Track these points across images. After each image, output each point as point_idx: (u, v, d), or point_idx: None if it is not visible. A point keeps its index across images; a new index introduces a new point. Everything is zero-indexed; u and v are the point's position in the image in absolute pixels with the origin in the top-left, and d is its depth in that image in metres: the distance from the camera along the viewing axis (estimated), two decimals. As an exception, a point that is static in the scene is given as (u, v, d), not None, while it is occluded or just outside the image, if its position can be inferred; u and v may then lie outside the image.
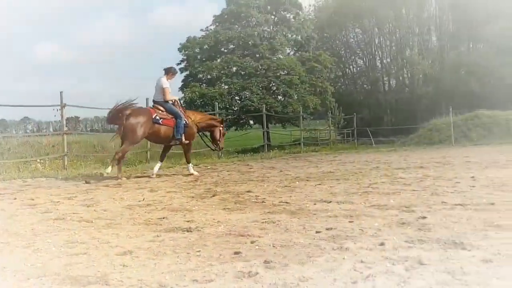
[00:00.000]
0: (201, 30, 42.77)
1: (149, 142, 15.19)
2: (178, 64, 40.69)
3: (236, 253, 3.88)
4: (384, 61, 50.23)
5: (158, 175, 11.34)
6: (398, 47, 47.84)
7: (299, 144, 26.01)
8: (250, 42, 39.70)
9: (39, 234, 4.83)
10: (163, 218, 5.58)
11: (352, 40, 52.37)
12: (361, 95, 50.24)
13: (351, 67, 53.71)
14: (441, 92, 42.71)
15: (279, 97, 39.74)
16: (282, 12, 43.03)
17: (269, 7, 41.98)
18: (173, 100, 11.99)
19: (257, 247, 4.09)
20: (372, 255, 3.69)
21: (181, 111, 11.97)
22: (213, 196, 7.45)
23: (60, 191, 8.59)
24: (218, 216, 5.65)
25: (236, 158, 18.88)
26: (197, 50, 40.16)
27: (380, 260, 3.53)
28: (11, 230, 5.02)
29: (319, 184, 8.71)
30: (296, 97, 38.11)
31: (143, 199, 7.23)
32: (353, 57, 53.11)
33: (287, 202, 6.52)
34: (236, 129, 37.74)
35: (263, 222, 5.15)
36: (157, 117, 11.31)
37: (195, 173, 11.81)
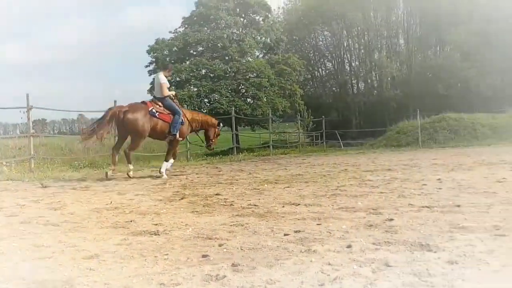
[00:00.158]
0: (170, 32, 42.57)
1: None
2: (146, 66, 40.52)
3: (204, 256, 3.87)
4: (353, 64, 50.64)
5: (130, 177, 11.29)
6: (367, 50, 48.24)
7: (268, 146, 26.02)
8: (219, 45, 39.65)
9: (5, 238, 4.75)
10: (131, 221, 5.54)
11: (321, 43, 52.69)
12: (330, 98, 50.54)
13: (320, 69, 54.01)
14: (409, 95, 43.21)
15: (248, 100, 39.76)
16: (251, 14, 43.06)
17: (238, 9, 41.97)
18: (172, 96, 12.12)
19: (225, 250, 4.09)
20: (339, 257, 3.71)
21: (179, 107, 12.10)
22: (182, 199, 7.42)
23: (26, 194, 8.47)
24: (186, 219, 5.63)
25: (205, 161, 18.83)
26: (166, 52, 39.94)
27: (347, 262, 3.56)
28: (-25, 235, 4.93)
29: (288, 187, 8.73)
30: (265, 100, 38.15)
31: (111, 202, 7.16)
32: (322, 60, 53.39)
33: (255, 205, 6.52)
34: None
35: (231, 225, 5.15)
36: (154, 110, 11.43)
37: (165, 175, 11.66)
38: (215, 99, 37.17)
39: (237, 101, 37.01)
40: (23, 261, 3.89)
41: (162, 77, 12.02)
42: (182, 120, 11.96)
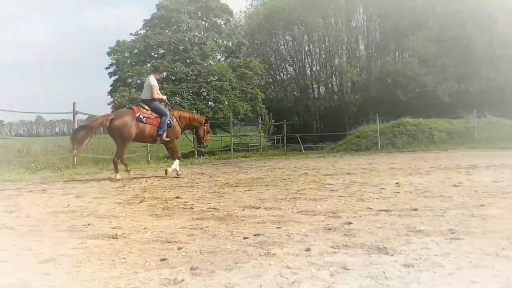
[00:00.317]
0: (131, 34, 42.24)
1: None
2: (107, 68, 40.15)
3: (162, 260, 3.83)
4: (314, 68, 50.98)
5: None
6: (327, 55, 48.66)
7: (230, 150, 26.00)
8: (180, 47, 39.49)
9: (-43, 242, 4.63)
10: (88, 224, 5.45)
11: (283, 47, 52.95)
12: (291, 102, 50.78)
13: (281, 74, 54.24)
14: (368, 100, 43.76)
15: (210, 103, 39.68)
16: (213, 18, 43.02)
17: (200, 12, 41.89)
18: (161, 99, 12.26)
19: (184, 253, 4.06)
20: (298, 260, 3.72)
21: (167, 110, 12.20)
22: (141, 202, 7.34)
23: (-19, 197, 8.28)
24: (145, 222, 5.57)
25: (166, 163, 18.68)
26: (126, 54, 39.60)
27: (306, 265, 3.57)
28: None
29: (248, 190, 8.72)
30: (226, 103, 38.13)
31: (68, 205, 7.04)
32: (283, 64, 53.64)
33: (215, 208, 6.50)
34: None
35: (191, 229, 5.12)
36: (141, 116, 11.58)
37: (178, 168, 12.36)
38: (177, 102, 36.95)
39: (199, 104, 36.90)
40: (-24, 265, 3.79)
41: (153, 80, 12.13)
42: (170, 121, 12.12)
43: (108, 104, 36.90)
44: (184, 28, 40.16)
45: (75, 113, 15.46)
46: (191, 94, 37.32)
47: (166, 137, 12.13)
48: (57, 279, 3.36)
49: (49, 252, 4.14)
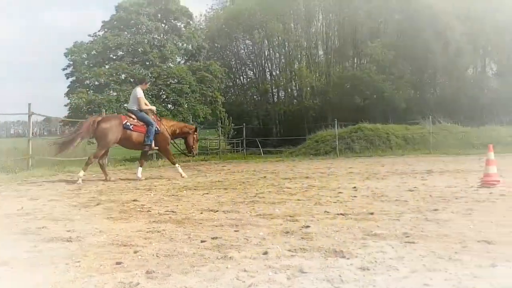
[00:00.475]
0: (89, 35, 41.59)
1: (31, 148, 14.94)
2: (64, 69, 39.33)
3: (117, 263, 3.78)
4: (274, 73, 51.10)
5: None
6: (287, 59, 48.82)
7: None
8: (139, 50, 39.09)
9: None
10: (43, 227, 5.36)
11: (243, 51, 52.90)
12: (251, 106, 50.82)
13: (241, 77, 54.21)
14: (327, 105, 44.07)
15: (169, 106, 39.35)
16: (172, 20, 42.73)
17: (159, 15, 41.56)
18: (149, 110, 12.71)
19: (140, 257, 4.01)
20: (255, 264, 3.72)
21: (153, 119, 12.55)
22: (97, 205, 7.25)
23: None
24: (101, 225, 5.49)
25: (124, 166, 18.54)
26: (84, 55, 38.98)
27: (263, 268, 3.57)
28: None
29: (207, 193, 8.71)
30: (186, 106, 37.88)
31: (22, 207, 6.90)
32: (243, 68, 53.65)
33: (173, 211, 6.46)
34: (124, 137, 37.10)
35: (147, 232, 5.07)
36: (128, 123, 11.95)
37: (184, 174, 12.80)
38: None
39: (158, 107, 36.57)
40: None
41: (139, 91, 12.49)
42: (157, 129, 12.46)
43: (65, 105, 36.19)
44: (144, 30, 39.77)
45: (30, 114, 15.20)
46: (150, 97, 36.91)
47: (155, 145, 12.58)
48: (9, 283, 3.29)
49: (1, 256, 4.05)
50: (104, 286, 3.19)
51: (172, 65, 40.41)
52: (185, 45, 42.81)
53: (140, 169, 12.63)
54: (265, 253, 4.03)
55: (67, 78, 38.63)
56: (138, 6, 39.23)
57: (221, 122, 36.90)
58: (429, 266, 3.59)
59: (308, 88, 46.11)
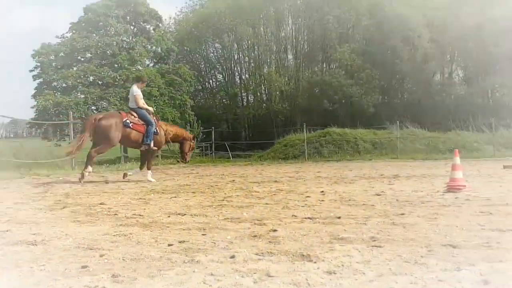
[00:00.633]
0: (57, 37, 41.17)
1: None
2: (31, 70, 38.78)
3: (83, 267, 3.74)
4: (243, 76, 51.10)
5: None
6: (257, 63, 48.84)
7: (157, 156, 25.71)
8: (108, 52, 38.73)
9: None
10: (7, 231, 5.27)
11: (212, 54, 52.76)
12: (220, 109, 50.72)
13: (210, 81, 54.08)
14: (296, 109, 44.26)
15: (138, 109, 39.12)
16: (141, 23, 42.51)
17: (128, 17, 41.30)
18: (147, 109, 12.79)
19: (106, 260, 3.98)
20: (222, 267, 3.71)
21: (154, 119, 12.75)
22: (63, 208, 7.16)
23: None
24: (67, 229, 5.43)
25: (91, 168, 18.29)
26: (52, 57, 38.48)
27: (230, 272, 3.57)
28: None
29: (175, 197, 8.67)
30: (155, 109, 37.67)
31: (-15, 211, 6.79)
32: (212, 72, 53.48)
33: (140, 215, 6.42)
34: (92, 140, 36.73)
35: (114, 235, 5.03)
36: (128, 121, 12.10)
37: (153, 180, 12.52)
38: (103, 107, 36.24)
39: (126, 110, 36.30)
40: None
41: (136, 89, 12.67)
42: (156, 130, 12.65)
43: (32, 107, 35.68)
44: (112, 32, 39.43)
45: (-5, 116, 14.96)
46: (119, 99, 36.61)
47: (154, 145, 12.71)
48: (-29, 288, 3.23)
49: (-37, 260, 3.98)
50: (69, 290, 3.16)
51: (141, 68, 40.16)
52: (154, 47, 42.62)
53: (149, 172, 12.86)
54: (232, 256, 4.03)
55: (34, 79, 38.11)
56: (106, 8, 38.92)
57: (190, 125, 36.75)
58: (395, 270, 3.62)
59: (277, 92, 46.21)
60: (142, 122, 12.45)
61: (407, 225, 5.50)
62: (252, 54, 49.61)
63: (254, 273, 3.54)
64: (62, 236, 4.98)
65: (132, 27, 41.76)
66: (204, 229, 5.33)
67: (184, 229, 5.36)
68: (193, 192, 9.56)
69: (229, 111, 49.22)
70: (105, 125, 11.76)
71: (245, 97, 51.86)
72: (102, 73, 37.04)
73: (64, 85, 36.61)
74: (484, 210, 6.52)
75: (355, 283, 3.31)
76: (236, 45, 49.91)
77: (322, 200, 7.91)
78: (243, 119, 48.29)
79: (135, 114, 12.48)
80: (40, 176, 13.36)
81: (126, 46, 39.81)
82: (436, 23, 37.67)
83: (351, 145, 29.95)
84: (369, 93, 38.69)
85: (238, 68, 51.48)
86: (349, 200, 7.94)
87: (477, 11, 35.43)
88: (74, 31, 40.08)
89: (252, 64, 49.98)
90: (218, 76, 54.02)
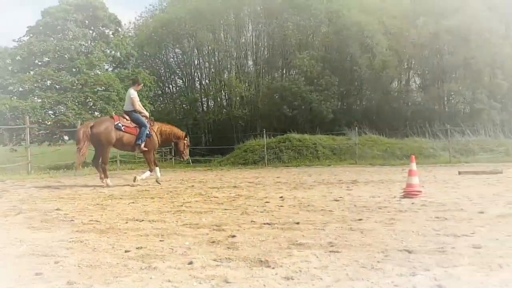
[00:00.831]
0: (14, 40, 40.39)
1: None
2: (-14, 74, 38.03)
3: (37, 274, 3.69)
4: (203, 82, 50.90)
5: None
6: (217, 69, 48.74)
7: (115, 161, 25.46)
8: (66, 56, 38.13)
9: None
10: (-42, 238, 5.15)
11: (172, 59, 52.40)
12: (180, 114, 50.38)
13: (170, 86, 53.70)
14: (256, 115, 44.34)
15: (96, 113, 38.49)
16: (100, 27, 41.98)
17: (87, 21, 40.73)
18: (143, 113, 13.06)
19: (61, 267, 3.92)
20: (180, 274, 3.70)
21: (147, 122, 13.00)
22: (18, 214, 7.03)
23: None
24: (22, 235, 5.34)
25: (48, 174, 18.03)
26: (8, 61, 37.75)
27: (188, 279, 3.56)
28: None
29: (133, 203, 8.60)
30: (114, 114, 37.28)
31: None
32: (172, 77, 53.14)
33: (97, 221, 6.35)
34: (49, 145, 36.15)
35: (70, 242, 4.96)
36: (120, 124, 12.36)
37: (159, 175, 13.49)
38: (61, 112, 35.65)
39: (84, 115, 35.78)
40: None
41: (132, 92, 12.96)
42: (149, 132, 12.88)
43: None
44: (71, 36, 38.82)
45: None
46: (77, 104, 36.08)
47: (144, 147, 12.85)
48: None
49: None
50: (22, 297, 3.11)
51: (99, 72, 39.67)
52: (113, 52, 42.17)
53: (157, 169, 13.46)
54: (190, 263, 4.02)
55: (-10, 84, 37.30)
56: (65, 12, 38.35)
57: (150, 130, 36.48)
58: (352, 275, 3.66)
59: (238, 98, 46.23)
60: (135, 125, 12.70)
61: (364, 230, 5.57)
62: (213, 60, 49.56)
63: (212, 279, 3.54)
64: (16, 243, 4.89)
65: (91, 32, 41.23)
66: (162, 235, 5.30)
67: (141, 235, 5.32)
68: (152, 198, 9.50)
69: (189, 116, 48.99)
70: (97, 132, 12.11)
71: (205, 103, 51.70)
72: (60, 77, 36.45)
73: (20, 89, 35.92)
74: (439, 215, 6.63)
75: (312, 289, 3.33)
76: (196, 51, 49.77)
77: (281, 206, 7.94)
78: (203, 124, 48.14)
79: (127, 117, 12.71)
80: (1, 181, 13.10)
81: (85, 51, 39.31)
82: (394, 31, 38.23)
83: (310, 151, 30.11)
84: (328, 99, 38.96)
85: (199, 74, 51.34)
86: (308, 205, 7.99)
87: (433, 21, 36.11)
88: (31, 35, 39.39)
89: (213, 70, 49.90)
90: (178, 81, 53.75)
